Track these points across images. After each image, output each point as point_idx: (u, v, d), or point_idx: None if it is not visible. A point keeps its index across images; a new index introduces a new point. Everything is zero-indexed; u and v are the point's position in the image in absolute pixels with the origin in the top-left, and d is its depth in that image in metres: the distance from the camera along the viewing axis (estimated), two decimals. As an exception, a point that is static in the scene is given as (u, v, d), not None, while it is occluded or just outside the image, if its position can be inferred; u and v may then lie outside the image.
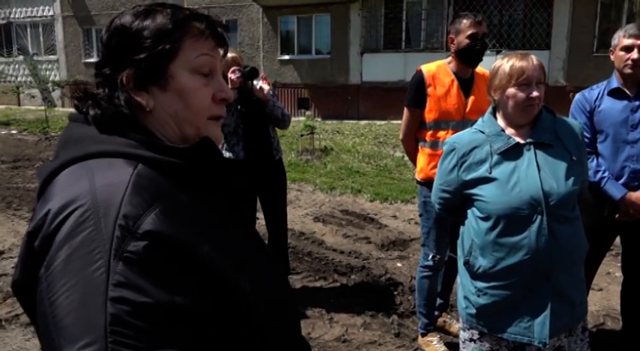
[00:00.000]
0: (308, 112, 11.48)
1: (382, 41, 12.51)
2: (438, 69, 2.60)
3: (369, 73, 12.57)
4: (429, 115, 2.58)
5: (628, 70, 2.33)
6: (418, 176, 2.72)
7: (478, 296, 1.75)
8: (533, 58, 1.69)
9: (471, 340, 1.83)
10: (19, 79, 16.12)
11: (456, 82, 2.55)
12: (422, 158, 2.66)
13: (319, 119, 12.17)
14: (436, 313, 2.93)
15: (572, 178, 1.69)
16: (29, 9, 16.36)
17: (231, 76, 2.93)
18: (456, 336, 2.81)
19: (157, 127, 0.80)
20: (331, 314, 3.18)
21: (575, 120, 2.23)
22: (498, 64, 1.75)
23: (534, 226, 1.64)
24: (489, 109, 1.85)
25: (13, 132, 11.28)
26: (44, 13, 16.18)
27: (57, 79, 15.42)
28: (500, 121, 1.79)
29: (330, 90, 12.85)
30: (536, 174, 1.66)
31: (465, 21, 2.46)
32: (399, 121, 2.89)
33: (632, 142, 2.35)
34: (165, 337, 0.63)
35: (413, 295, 3.22)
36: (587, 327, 1.85)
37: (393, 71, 12.04)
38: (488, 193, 1.70)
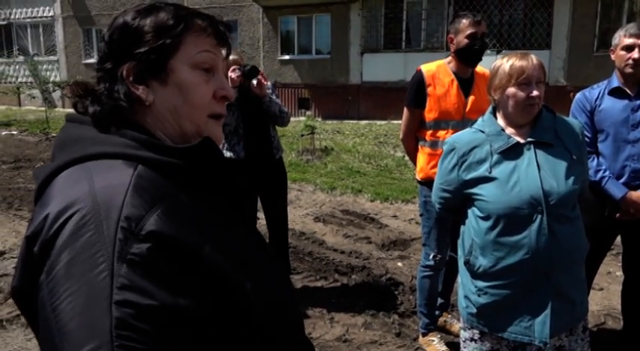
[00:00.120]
0: (308, 112, 11.47)
1: (382, 41, 12.51)
2: (438, 69, 2.60)
3: (370, 73, 12.57)
4: (429, 115, 2.58)
5: (629, 70, 2.33)
6: (418, 176, 2.72)
7: (479, 296, 1.75)
8: (533, 58, 1.70)
9: (472, 339, 1.83)
10: (19, 79, 16.13)
11: (455, 82, 2.55)
12: (422, 158, 2.67)
13: (319, 119, 12.17)
14: (437, 312, 2.93)
15: (572, 178, 1.69)
16: (29, 9, 16.36)
17: (231, 75, 2.94)
18: (457, 336, 2.81)
19: (156, 122, 0.79)
20: (332, 314, 3.18)
21: (575, 119, 2.23)
22: (498, 63, 1.75)
23: (534, 226, 1.64)
24: (489, 108, 1.85)
25: (14, 132, 11.28)
26: (44, 14, 16.19)
27: (57, 79, 15.42)
28: (501, 121, 1.79)
29: (331, 90, 12.84)
30: (536, 173, 1.66)
31: (464, 21, 2.47)
32: (400, 121, 2.89)
33: (633, 142, 2.35)
34: (169, 338, 0.63)
35: (414, 295, 3.22)
36: (587, 326, 1.85)
37: (394, 71, 12.04)
38: (489, 193, 1.70)
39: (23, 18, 16.51)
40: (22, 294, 0.70)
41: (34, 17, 16.36)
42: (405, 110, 2.71)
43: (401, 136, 2.82)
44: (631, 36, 2.32)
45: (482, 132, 1.78)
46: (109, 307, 0.60)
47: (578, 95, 2.54)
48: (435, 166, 2.36)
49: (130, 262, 0.62)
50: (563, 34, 11.05)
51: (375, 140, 9.38)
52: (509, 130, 1.76)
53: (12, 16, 16.61)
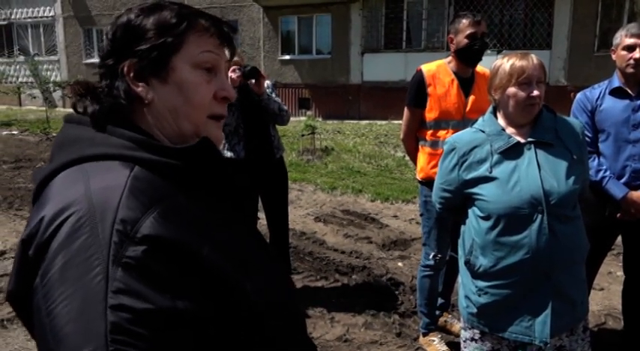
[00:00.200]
0: (309, 112, 11.47)
1: (383, 41, 12.51)
2: (438, 68, 2.60)
3: (370, 73, 12.57)
4: (430, 115, 2.58)
5: (630, 70, 2.32)
6: (419, 176, 2.72)
7: (479, 295, 1.75)
8: (534, 58, 1.69)
9: (473, 339, 1.83)
10: (20, 79, 16.16)
11: (456, 82, 2.55)
12: (422, 158, 2.67)
13: (320, 119, 12.17)
14: (437, 312, 2.93)
15: (572, 177, 1.68)
16: (30, 9, 16.38)
17: (231, 75, 2.94)
18: (458, 335, 2.81)
19: (154, 122, 0.79)
20: (332, 314, 3.18)
21: (576, 119, 2.23)
22: (498, 63, 1.75)
23: (535, 226, 1.63)
24: (490, 108, 1.85)
25: (15, 132, 11.29)
26: (45, 14, 16.20)
27: (58, 79, 15.43)
28: (501, 121, 1.79)
29: (331, 90, 12.84)
30: (536, 173, 1.66)
31: (463, 21, 2.47)
32: (400, 121, 2.90)
33: (634, 142, 2.35)
34: (167, 342, 0.62)
35: (414, 295, 3.22)
36: (588, 326, 1.85)
37: (394, 71, 12.04)
38: (489, 193, 1.70)
39: (24, 18, 16.52)
40: (17, 297, 0.69)
41: (35, 17, 16.37)
42: (406, 110, 2.71)
43: (401, 136, 2.82)
44: (632, 36, 2.32)
45: (483, 132, 1.78)
46: (104, 311, 0.59)
47: (579, 95, 2.53)
48: (435, 165, 2.36)
49: (125, 265, 0.61)
50: (564, 34, 11.05)
51: (375, 140, 9.38)
52: (510, 130, 1.76)
53: (13, 16, 16.62)
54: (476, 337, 1.82)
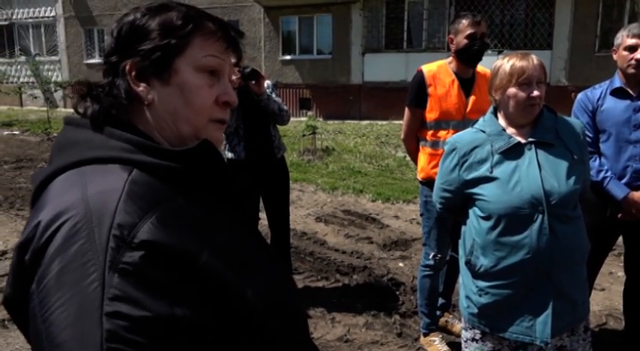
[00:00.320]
0: (310, 113, 11.47)
1: (384, 41, 12.51)
2: (439, 69, 2.60)
3: (371, 73, 12.57)
4: (430, 115, 2.58)
5: (631, 70, 2.32)
6: (419, 176, 2.72)
7: (480, 296, 1.75)
8: (534, 58, 1.70)
9: (473, 339, 1.83)
10: (21, 79, 16.17)
11: (456, 82, 2.56)
12: (423, 158, 2.67)
13: (321, 119, 12.18)
14: (438, 312, 2.93)
15: (573, 178, 1.68)
16: (31, 10, 16.40)
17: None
18: (458, 336, 2.81)
19: (153, 123, 0.78)
20: (333, 314, 3.18)
21: (576, 119, 2.23)
22: (499, 63, 1.75)
23: (535, 226, 1.63)
24: (490, 108, 1.85)
25: (16, 132, 11.31)
26: (46, 14, 16.22)
27: (59, 79, 15.45)
28: (502, 121, 1.79)
29: (332, 90, 12.85)
30: (537, 173, 1.66)
31: (463, 21, 2.47)
32: (401, 121, 2.90)
33: (635, 142, 2.34)
34: (165, 350, 0.61)
35: (415, 295, 3.22)
36: (589, 326, 1.84)
37: (395, 71, 12.04)
38: (490, 193, 1.70)
39: (25, 18, 16.54)
40: (13, 303, 0.68)
41: (36, 17, 16.39)
42: (406, 110, 2.71)
43: (402, 136, 2.82)
44: (634, 36, 2.31)
45: (484, 132, 1.79)
46: (100, 318, 0.58)
47: (580, 95, 2.53)
48: (435, 166, 2.37)
49: (121, 271, 0.60)
50: (565, 34, 11.04)
51: (376, 140, 9.38)
52: (510, 130, 1.76)
53: (14, 16, 16.64)
54: (477, 338, 1.82)
